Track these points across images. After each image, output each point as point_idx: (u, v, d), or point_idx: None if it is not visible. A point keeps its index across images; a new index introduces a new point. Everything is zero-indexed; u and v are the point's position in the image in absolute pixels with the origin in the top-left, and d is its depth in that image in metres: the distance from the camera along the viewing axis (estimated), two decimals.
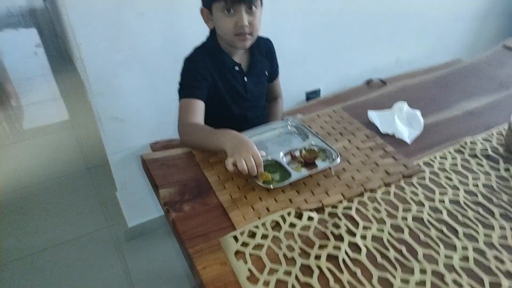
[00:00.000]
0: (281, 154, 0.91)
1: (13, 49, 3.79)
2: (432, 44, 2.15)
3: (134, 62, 1.33)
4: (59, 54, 3.55)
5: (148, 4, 1.26)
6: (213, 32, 1.05)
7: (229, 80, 1.06)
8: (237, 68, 1.06)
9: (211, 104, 1.04)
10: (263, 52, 1.12)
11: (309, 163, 0.90)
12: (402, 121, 1.06)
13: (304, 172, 0.87)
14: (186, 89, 1.01)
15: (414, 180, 0.87)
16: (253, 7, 0.94)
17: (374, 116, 1.09)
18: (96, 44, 1.22)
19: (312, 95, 1.90)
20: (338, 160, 0.88)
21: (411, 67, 2.10)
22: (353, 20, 1.78)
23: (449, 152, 0.96)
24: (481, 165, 0.91)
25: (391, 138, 1.01)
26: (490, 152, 0.95)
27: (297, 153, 0.92)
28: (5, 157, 2.16)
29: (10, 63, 3.47)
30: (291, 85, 1.79)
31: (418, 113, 1.08)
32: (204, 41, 1.07)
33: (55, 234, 1.68)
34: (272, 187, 0.81)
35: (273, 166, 0.88)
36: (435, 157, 0.95)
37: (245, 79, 1.09)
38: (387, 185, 0.85)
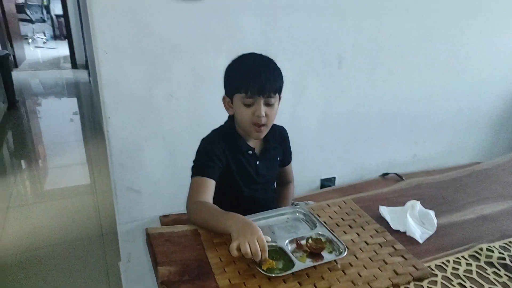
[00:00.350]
0: (287, 241, 0.89)
1: (53, 115, 4.10)
2: (449, 144, 2.18)
3: (158, 139, 1.41)
4: (92, 123, 3.81)
5: (178, 88, 1.38)
6: (231, 117, 1.11)
7: (242, 162, 1.10)
8: (250, 152, 1.11)
9: (222, 184, 1.07)
10: (277, 139, 1.17)
11: (314, 254, 0.87)
12: (414, 220, 1.04)
13: (309, 262, 0.84)
14: (199, 168, 1.04)
15: (425, 284, 0.82)
16: (272, 100, 1.01)
17: (385, 211, 1.07)
18: (124, 119, 1.32)
19: (327, 183, 1.91)
20: (345, 253, 0.86)
21: (428, 165, 2.11)
22: (370, 115, 1.87)
23: (463, 257, 0.92)
24: (499, 275, 0.86)
25: (402, 236, 0.98)
26: (508, 261, 0.90)
27: (303, 242, 0.91)
28: (23, 216, 2.20)
29: (47, 127, 3.74)
30: (306, 171, 1.82)
31: (431, 213, 1.06)
32: (222, 125, 1.14)
33: None
34: (274, 276, 0.78)
35: (277, 252, 0.86)
36: (448, 261, 0.90)
37: (257, 162, 1.12)
38: (395, 286, 0.81)
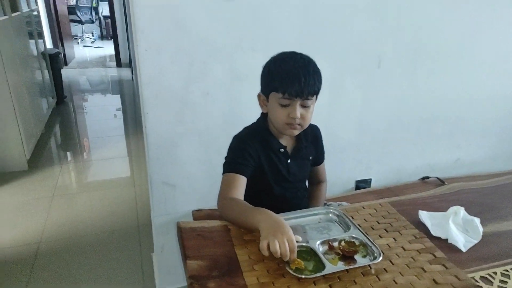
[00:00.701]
0: (318, 242, 0.87)
1: (98, 110, 4.31)
2: (495, 148, 2.04)
3: (193, 135, 1.43)
4: (133, 119, 3.96)
5: (214, 85, 1.39)
6: (264, 115, 1.10)
7: (273, 161, 1.09)
8: (282, 150, 1.09)
9: (254, 182, 1.06)
10: (309, 138, 1.15)
11: (347, 257, 0.85)
12: (457, 227, 0.98)
13: (341, 265, 0.81)
14: (231, 164, 1.05)
15: None
16: (308, 102, 0.99)
17: (425, 216, 1.02)
18: (162, 115, 1.35)
19: (362, 184, 1.85)
20: (380, 258, 0.82)
21: (472, 170, 1.99)
22: (410, 116, 1.79)
23: None
24: None
25: (442, 243, 0.93)
26: None
27: (336, 244, 0.88)
28: (66, 205, 2.33)
29: (92, 122, 3.94)
30: (341, 172, 1.78)
31: (477, 220, 0.99)
32: (254, 122, 1.14)
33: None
34: (303, 277, 0.77)
35: (308, 253, 0.84)
36: (495, 273, 0.84)
37: (289, 161, 1.11)
38: None
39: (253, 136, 1.07)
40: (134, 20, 1.23)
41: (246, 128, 1.12)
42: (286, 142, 1.11)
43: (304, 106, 0.99)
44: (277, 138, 1.10)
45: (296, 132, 1.05)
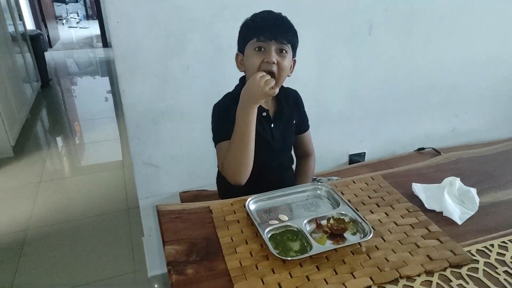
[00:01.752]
0: (305, 221, 0.82)
1: (88, 94, 4.19)
2: (492, 116, 1.98)
3: (175, 112, 1.36)
4: None
5: (194, 59, 1.31)
6: (242, 79, 1.07)
7: (256, 126, 1.02)
8: (264, 114, 1.04)
9: None
10: (290, 102, 1.10)
11: (336, 235, 0.79)
12: (453, 198, 0.93)
13: (329, 245, 0.76)
14: (220, 134, 1.01)
15: (464, 271, 0.72)
16: (284, 51, 0.95)
17: (419, 188, 0.97)
18: (140, 92, 1.27)
19: (356, 158, 1.80)
20: (371, 235, 0.77)
21: (469, 139, 1.94)
22: (404, 85, 1.71)
23: (511, 242, 0.80)
24: None
25: (437, 216, 0.88)
26: None
27: (324, 222, 0.83)
28: (54, 190, 2.27)
29: (82, 105, 3.82)
30: (333, 146, 1.72)
31: (473, 191, 0.94)
32: (233, 89, 1.08)
33: (82, 274, 1.67)
34: (289, 259, 0.71)
35: (294, 233, 0.79)
36: (492, 245, 0.80)
37: (272, 125, 1.06)
38: (429, 273, 0.71)
39: (233, 102, 1.00)
40: None
41: (225, 96, 1.08)
42: (267, 105, 1.06)
43: (279, 55, 0.94)
44: None
45: (275, 91, 0.94)
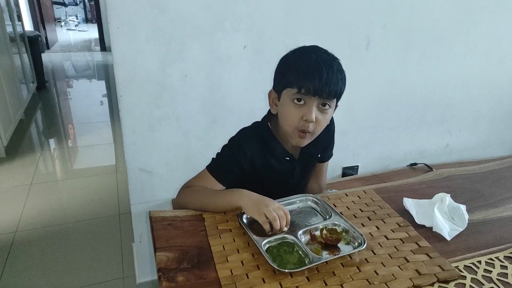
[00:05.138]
0: (300, 232, 0.83)
1: (83, 97, 4.18)
2: (487, 135, 2.01)
3: (171, 119, 1.36)
4: None
5: (193, 67, 1.32)
6: (268, 115, 0.96)
7: (275, 168, 0.96)
8: (287, 158, 0.96)
9: (244, 184, 0.92)
10: (321, 137, 0.94)
11: (330, 245, 0.80)
12: (443, 214, 0.94)
13: (325, 255, 0.77)
14: (217, 168, 0.95)
15: (451, 286, 0.73)
16: (327, 105, 0.84)
17: (410, 204, 0.98)
18: (137, 98, 1.28)
19: (349, 171, 1.81)
20: (365, 245, 0.78)
21: (462, 156, 1.97)
22: (399, 101, 1.74)
23: (498, 259, 0.82)
24: None
25: (427, 232, 0.89)
26: None
27: (317, 233, 0.83)
28: (45, 193, 2.25)
29: (77, 108, 3.81)
30: None
31: (463, 208, 0.95)
32: (255, 122, 0.99)
33: (70, 278, 1.65)
34: (287, 271, 0.72)
35: (290, 245, 0.80)
36: (480, 262, 0.81)
37: (295, 168, 0.98)
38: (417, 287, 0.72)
39: (251, 140, 0.93)
40: None
41: (244, 129, 0.97)
42: (293, 149, 0.97)
43: (321, 110, 0.84)
44: (283, 143, 0.95)
45: (304, 143, 0.89)
